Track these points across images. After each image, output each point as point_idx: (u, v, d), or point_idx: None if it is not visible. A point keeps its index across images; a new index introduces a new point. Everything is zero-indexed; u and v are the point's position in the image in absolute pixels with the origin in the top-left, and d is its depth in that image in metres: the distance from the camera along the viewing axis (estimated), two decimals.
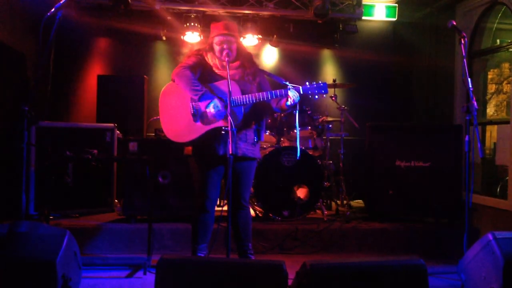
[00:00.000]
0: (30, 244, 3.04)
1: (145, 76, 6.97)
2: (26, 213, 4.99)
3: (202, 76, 3.89)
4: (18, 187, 3.62)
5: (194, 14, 7.14)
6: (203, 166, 3.89)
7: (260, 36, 7.39)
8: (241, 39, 6.83)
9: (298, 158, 4.88)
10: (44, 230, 3.15)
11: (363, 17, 7.44)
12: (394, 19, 7.62)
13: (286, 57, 7.83)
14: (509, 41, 5.77)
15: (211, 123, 3.77)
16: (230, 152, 3.38)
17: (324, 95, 3.84)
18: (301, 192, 5.37)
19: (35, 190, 5.15)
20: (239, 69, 3.93)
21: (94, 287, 3.85)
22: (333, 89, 6.28)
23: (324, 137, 6.27)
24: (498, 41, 6.38)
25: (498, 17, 6.30)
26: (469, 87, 3.94)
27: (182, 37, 7.33)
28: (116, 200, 5.73)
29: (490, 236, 3.46)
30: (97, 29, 7.28)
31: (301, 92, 3.77)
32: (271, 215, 5.43)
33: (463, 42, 4.02)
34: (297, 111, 4.19)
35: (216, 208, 4.05)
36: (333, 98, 6.23)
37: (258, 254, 4.68)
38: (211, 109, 3.74)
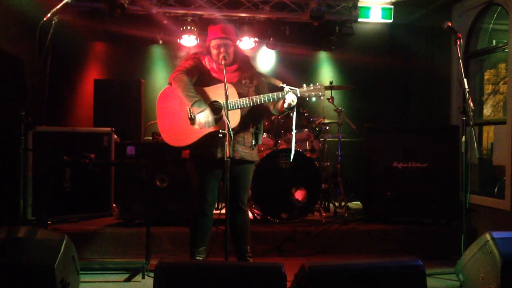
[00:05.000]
0: (28, 249, 3.03)
1: (142, 80, 6.98)
2: (24, 218, 4.97)
3: (199, 79, 3.88)
4: (15, 192, 3.61)
5: (191, 18, 7.14)
6: (201, 170, 3.89)
7: (256, 39, 7.39)
8: (238, 42, 6.84)
9: (291, 160, 4.89)
10: (42, 235, 3.14)
11: (359, 19, 7.45)
12: (390, 21, 7.62)
13: (283, 59, 7.84)
14: (505, 41, 5.78)
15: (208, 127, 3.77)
16: (228, 156, 3.38)
17: (321, 97, 3.84)
18: (299, 195, 5.38)
19: (32, 195, 5.13)
20: (237, 72, 3.93)
21: None
22: (330, 91, 6.29)
23: (321, 139, 6.28)
24: (494, 41, 6.39)
25: (494, 18, 6.32)
26: (465, 88, 3.95)
27: (178, 40, 7.33)
28: (114, 204, 5.72)
29: (488, 236, 3.46)
30: (93, 33, 7.28)
31: (298, 95, 3.76)
32: (269, 217, 5.43)
33: (458, 43, 4.04)
34: (295, 114, 4.21)
35: (214, 211, 4.04)
36: (330, 100, 6.24)
37: (257, 256, 4.68)
38: (200, 119, 3.68)
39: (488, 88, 7.11)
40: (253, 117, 3.95)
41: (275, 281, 2.69)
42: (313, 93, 3.78)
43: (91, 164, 4.45)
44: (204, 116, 3.69)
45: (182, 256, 4.77)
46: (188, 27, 7.12)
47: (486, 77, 6.95)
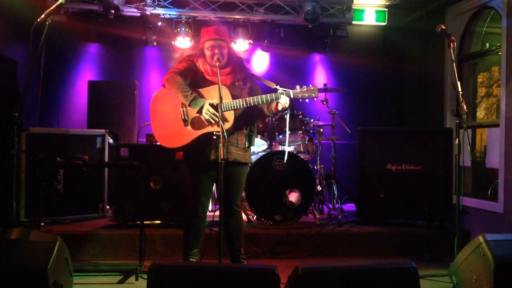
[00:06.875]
0: (21, 251, 3.01)
1: (135, 82, 6.96)
2: (17, 220, 4.95)
3: (193, 81, 3.88)
4: (8, 193, 3.59)
5: (185, 20, 7.15)
6: (194, 172, 3.88)
7: (251, 41, 7.41)
8: (232, 44, 6.84)
9: (285, 161, 4.89)
10: (35, 237, 3.12)
11: (353, 22, 7.50)
12: (384, 24, 7.67)
13: (277, 61, 7.85)
14: (498, 44, 5.81)
15: (202, 128, 3.76)
16: (221, 157, 3.38)
17: (315, 99, 3.86)
18: (293, 197, 5.38)
19: (25, 196, 5.11)
20: (230, 75, 3.93)
21: None
22: (324, 94, 6.31)
23: (315, 141, 6.28)
24: (487, 44, 6.43)
25: (487, 21, 6.35)
26: (459, 91, 3.97)
27: (173, 42, 7.34)
28: (107, 206, 5.71)
29: (481, 239, 3.48)
30: (87, 35, 7.25)
31: (291, 96, 3.78)
32: (263, 219, 5.43)
33: (452, 46, 4.06)
34: (288, 115, 4.22)
35: (208, 213, 4.04)
36: (324, 103, 6.26)
37: (250, 258, 4.67)
38: (204, 115, 3.72)
39: (482, 91, 7.13)
40: (246, 118, 3.95)
41: (268, 283, 2.68)
42: (306, 94, 3.80)
43: (85, 166, 4.42)
44: (205, 113, 3.68)
45: (175, 258, 4.76)
46: (182, 29, 7.13)
47: (479, 80, 6.98)
